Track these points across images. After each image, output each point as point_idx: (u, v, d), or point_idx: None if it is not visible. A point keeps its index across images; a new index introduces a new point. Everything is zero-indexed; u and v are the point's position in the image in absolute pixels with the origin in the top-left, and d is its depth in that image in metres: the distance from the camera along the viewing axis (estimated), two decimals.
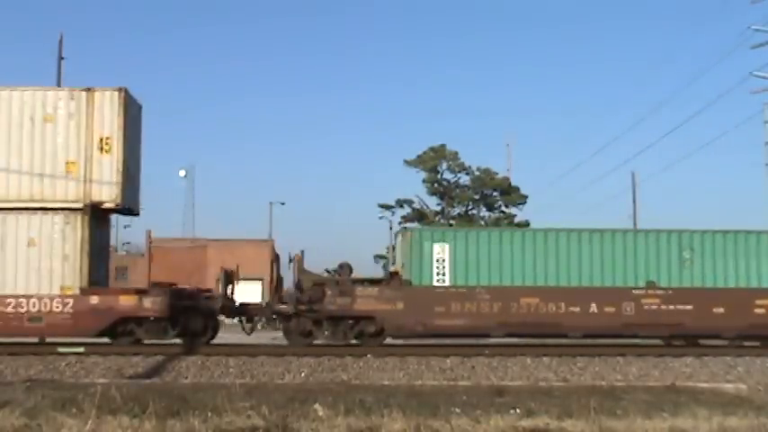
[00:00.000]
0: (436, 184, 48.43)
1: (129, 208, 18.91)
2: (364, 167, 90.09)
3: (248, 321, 19.33)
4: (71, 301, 17.66)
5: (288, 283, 19.90)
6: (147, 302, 17.90)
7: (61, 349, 17.48)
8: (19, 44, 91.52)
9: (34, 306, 17.62)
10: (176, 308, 18.03)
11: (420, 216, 48.33)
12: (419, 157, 48.00)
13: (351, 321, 18.59)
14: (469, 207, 48.86)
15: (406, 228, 19.38)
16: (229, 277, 19.13)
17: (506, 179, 48.37)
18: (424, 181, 48.36)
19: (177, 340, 18.29)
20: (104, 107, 18.19)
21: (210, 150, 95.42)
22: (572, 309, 18.73)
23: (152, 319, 18.02)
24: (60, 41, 32.88)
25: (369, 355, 17.42)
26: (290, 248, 20.02)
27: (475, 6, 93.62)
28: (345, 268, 19.39)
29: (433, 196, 48.90)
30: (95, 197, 18.02)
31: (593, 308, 18.78)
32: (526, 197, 47.81)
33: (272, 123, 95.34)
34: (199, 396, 11.37)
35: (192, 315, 18.28)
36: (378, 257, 47.66)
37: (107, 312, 17.81)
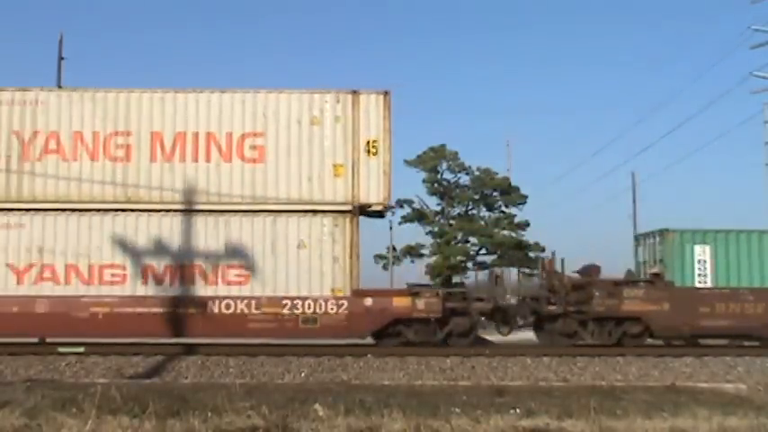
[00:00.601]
0: (436, 184, 48.34)
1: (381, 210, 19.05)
2: None
3: (505, 323, 19.23)
4: (345, 302, 17.82)
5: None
6: (421, 304, 18.03)
7: (61, 349, 17.47)
8: (20, 43, 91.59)
9: (309, 308, 17.77)
10: (447, 309, 18.18)
11: (420, 216, 48.29)
12: (419, 157, 47.92)
13: (616, 322, 18.81)
14: (469, 207, 48.78)
15: (667, 229, 19.70)
16: (497, 279, 19.43)
17: (506, 179, 48.30)
18: (424, 181, 48.28)
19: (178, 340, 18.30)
20: (370, 110, 18.44)
21: None
22: None
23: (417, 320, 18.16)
24: (60, 41, 32.89)
25: (369, 355, 17.44)
26: None
27: (475, 6, 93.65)
28: (594, 269, 19.59)
29: (433, 196, 48.85)
30: (363, 199, 18.23)
31: None
32: (526, 197, 47.75)
33: None
34: (199, 396, 11.37)
35: (460, 316, 18.38)
36: (378, 257, 47.61)
37: (381, 313, 17.97)
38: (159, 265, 17.87)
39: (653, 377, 16.33)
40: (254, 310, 17.72)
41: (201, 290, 17.81)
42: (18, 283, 17.75)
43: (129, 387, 12.10)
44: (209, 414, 9.74)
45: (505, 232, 46.86)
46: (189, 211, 18.02)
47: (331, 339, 18.30)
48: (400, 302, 18.09)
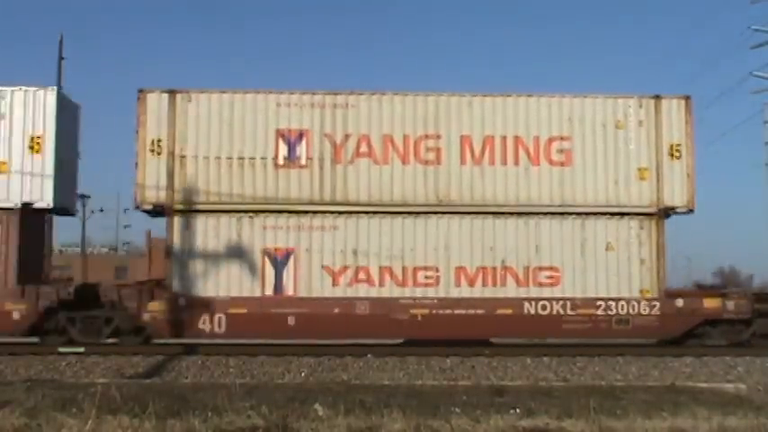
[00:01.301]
0: None
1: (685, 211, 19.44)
2: None
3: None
4: (657, 303, 18.21)
5: None
6: (731, 305, 18.41)
7: (61, 349, 17.48)
8: (20, 43, 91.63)
9: (622, 309, 18.17)
10: (754, 311, 18.48)
11: None
12: None
13: None
14: None
15: None
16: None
17: None
18: None
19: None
20: (672, 114, 18.78)
21: None
22: None
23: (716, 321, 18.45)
24: (60, 41, 33.01)
25: (369, 355, 17.46)
26: None
27: (475, 4, 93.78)
28: None
29: None
30: (667, 202, 18.64)
31: None
32: None
33: None
34: (199, 396, 11.37)
35: (764, 317, 18.56)
36: None
37: (691, 314, 18.33)
38: (471, 266, 18.29)
39: (653, 377, 16.33)
40: (569, 312, 18.15)
41: (513, 291, 18.27)
42: (334, 284, 18.11)
43: (129, 387, 12.11)
44: (210, 414, 9.75)
45: None
46: (498, 213, 18.43)
47: (642, 340, 18.84)
48: (711, 303, 18.46)
